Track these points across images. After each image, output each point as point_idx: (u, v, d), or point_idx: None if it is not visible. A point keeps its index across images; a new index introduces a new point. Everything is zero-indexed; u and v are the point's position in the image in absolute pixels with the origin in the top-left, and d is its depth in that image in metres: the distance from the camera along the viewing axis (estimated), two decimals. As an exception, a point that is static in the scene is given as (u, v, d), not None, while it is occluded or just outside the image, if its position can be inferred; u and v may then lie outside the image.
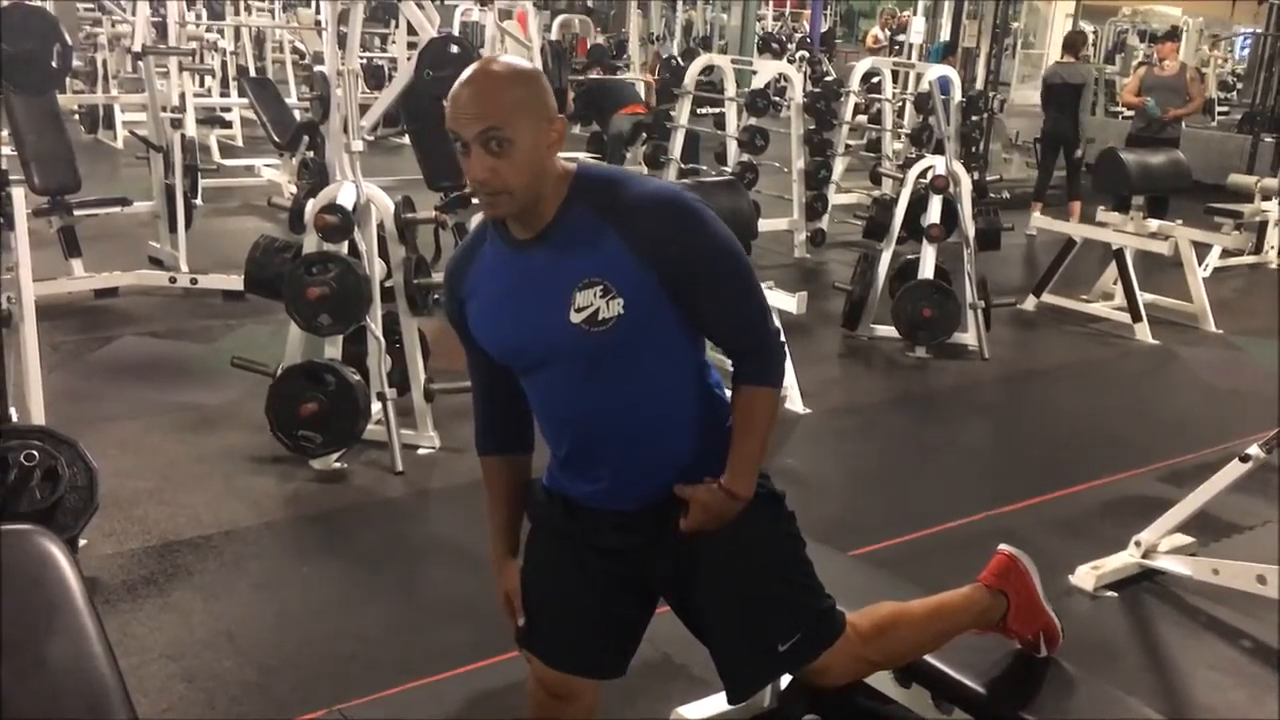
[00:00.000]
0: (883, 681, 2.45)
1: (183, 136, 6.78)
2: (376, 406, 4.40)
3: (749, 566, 2.03)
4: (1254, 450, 3.45)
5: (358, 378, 4.28)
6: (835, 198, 9.07)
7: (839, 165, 9.47)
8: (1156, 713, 2.32)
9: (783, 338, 1.99)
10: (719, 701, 2.74)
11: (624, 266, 1.82)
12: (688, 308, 1.89)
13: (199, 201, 8.06)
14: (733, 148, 8.59)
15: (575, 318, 1.83)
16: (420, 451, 4.52)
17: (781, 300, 5.36)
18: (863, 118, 10.69)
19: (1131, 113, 9.82)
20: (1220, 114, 15.04)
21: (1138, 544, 3.76)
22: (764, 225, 7.00)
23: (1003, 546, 2.37)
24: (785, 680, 2.70)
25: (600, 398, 1.92)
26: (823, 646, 2.07)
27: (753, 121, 8.20)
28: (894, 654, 2.24)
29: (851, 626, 2.12)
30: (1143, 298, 6.82)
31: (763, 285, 5.80)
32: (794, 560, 2.08)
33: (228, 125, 11.84)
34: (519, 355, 1.95)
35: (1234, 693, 3.15)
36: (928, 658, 2.34)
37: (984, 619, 2.31)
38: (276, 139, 9.01)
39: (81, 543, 3.54)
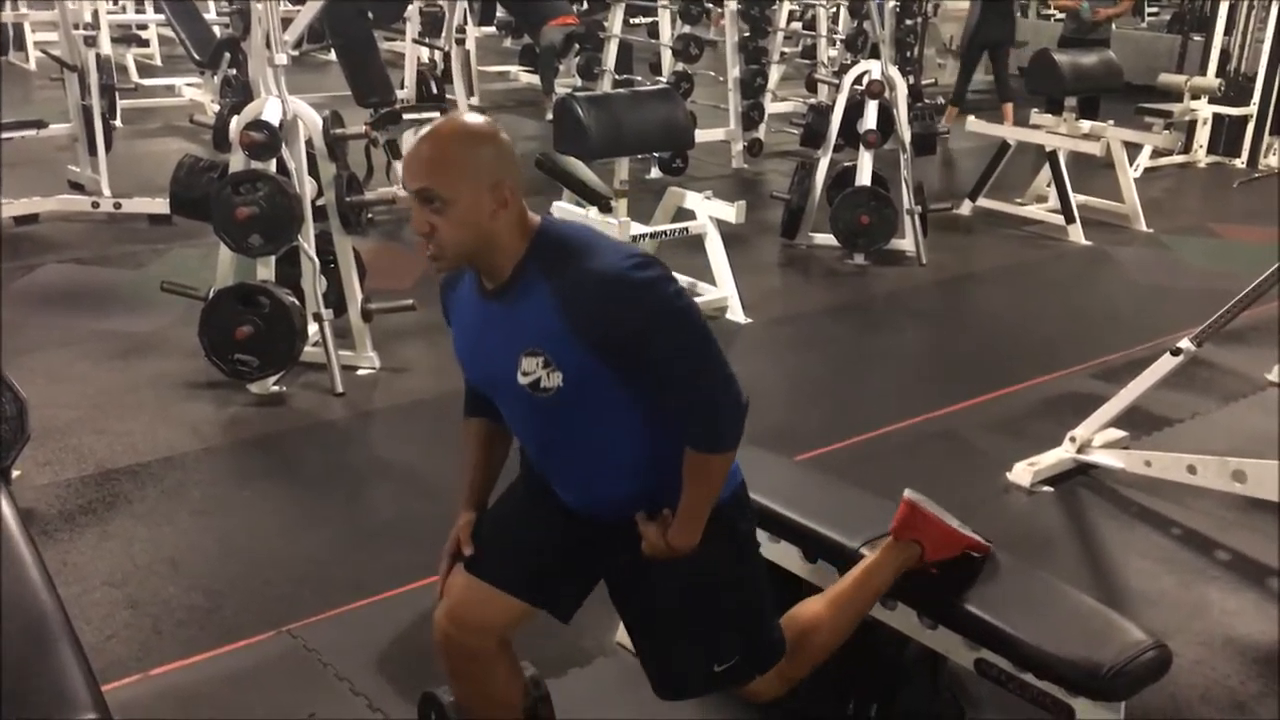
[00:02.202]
0: (828, 580, 2.48)
1: (98, 56, 6.54)
2: (313, 328, 4.33)
3: (697, 590, 2.06)
4: (1184, 344, 3.53)
5: (293, 299, 4.21)
6: (771, 106, 9.00)
7: (775, 73, 9.39)
8: (1090, 598, 2.38)
9: (744, 398, 1.91)
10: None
11: (564, 342, 1.84)
12: (628, 377, 1.89)
13: (118, 123, 7.81)
14: (667, 57, 8.48)
15: (521, 380, 1.88)
16: (360, 372, 4.47)
17: (720, 210, 5.35)
18: (798, 24, 10.58)
19: (1063, 15, 9.81)
20: (1150, 14, 15.06)
21: (1072, 440, 3.84)
22: (700, 135, 6.94)
23: (905, 494, 2.36)
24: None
25: (551, 438, 2.01)
26: (759, 672, 2.14)
27: (687, 30, 8.08)
28: (816, 659, 2.25)
29: None
30: (1075, 199, 6.89)
31: (700, 196, 5.73)
32: (745, 592, 2.12)
33: (145, 43, 11.44)
34: (481, 386, 2.07)
35: (1165, 579, 3.25)
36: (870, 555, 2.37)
37: (905, 566, 2.31)
38: (196, 56, 8.71)
39: (15, 474, 3.48)
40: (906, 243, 6.25)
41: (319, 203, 4.42)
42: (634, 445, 1.98)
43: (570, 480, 2.06)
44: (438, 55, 7.83)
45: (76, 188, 6.62)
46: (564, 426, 1.96)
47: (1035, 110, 7.56)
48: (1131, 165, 7.61)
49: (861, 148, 6.22)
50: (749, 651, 2.13)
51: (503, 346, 1.90)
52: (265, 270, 4.30)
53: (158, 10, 10.66)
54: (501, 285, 1.89)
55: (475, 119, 1.91)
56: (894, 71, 6.35)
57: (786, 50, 10.16)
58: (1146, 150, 8.48)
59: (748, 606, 2.12)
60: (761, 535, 2.45)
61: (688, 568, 2.01)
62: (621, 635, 2.81)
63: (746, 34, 8.47)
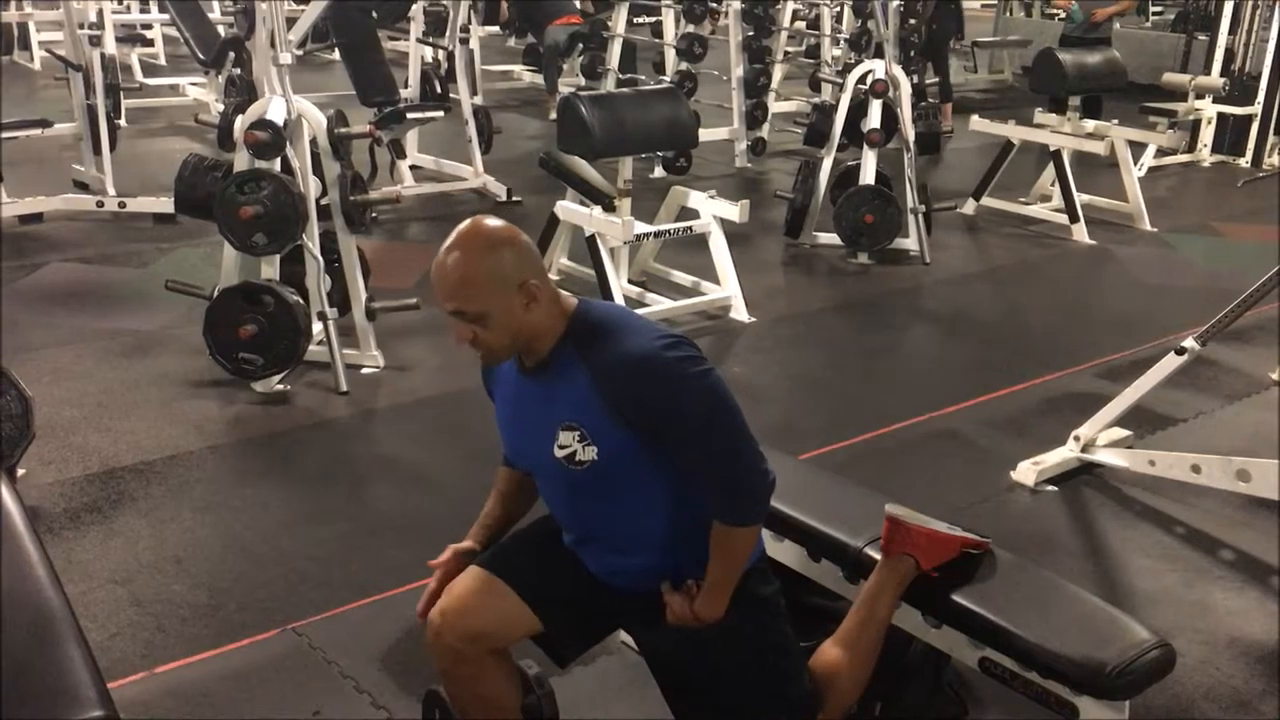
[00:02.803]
0: (831, 578, 2.49)
1: (102, 55, 6.55)
2: (318, 327, 4.34)
3: (729, 658, 2.10)
4: (1188, 343, 3.52)
5: (297, 298, 4.21)
6: (775, 106, 8.99)
7: (778, 72, 9.39)
8: (1095, 597, 2.38)
9: (772, 475, 1.99)
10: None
11: (599, 419, 1.94)
12: (661, 452, 1.96)
13: (123, 122, 7.82)
14: (671, 56, 8.48)
15: (558, 453, 1.98)
16: (364, 371, 4.48)
17: (723, 209, 5.35)
18: (801, 24, 10.57)
19: (1064, 15, 9.81)
20: (1154, 13, 15.05)
21: (1077, 439, 3.84)
22: (704, 135, 6.93)
23: (886, 509, 2.35)
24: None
25: (582, 512, 2.10)
26: None
27: (691, 29, 8.08)
28: (847, 702, 2.26)
29: None
30: (1080, 198, 6.88)
31: (704, 195, 5.72)
32: (774, 653, 2.15)
33: (149, 43, 11.45)
34: (518, 460, 2.18)
35: (1169, 578, 3.25)
36: (874, 555, 2.38)
37: (905, 581, 2.31)
38: (201, 56, 8.71)
39: (20, 472, 3.49)
40: (910, 242, 6.25)
41: (323, 202, 4.42)
42: (663, 518, 2.04)
43: (601, 552, 2.13)
44: (441, 55, 7.84)
45: (81, 187, 6.63)
46: (596, 499, 2.03)
47: (1039, 110, 7.55)
48: (1136, 165, 7.60)
49: (865, 147, 6.21)
50: (783, 711, 2.15)
51: (540, 421, 2.00)
52: (269, 269, 4.31)
53: (162, 10, 10.67)
54: (540, 364, 1.99)
55: (491, 225, 1.96)
56: (898, 70, 6.35)
57: (790, 50, 10.16)
58: (1151, 149, 8.47)
59: (777, 668, 2.15)
60: (766, 534, 2.45)
61: (715, 637, 2.05)
62: (625, 634, 2.81)
63: (750, 33, 8.46)
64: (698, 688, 2.15)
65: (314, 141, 4.37)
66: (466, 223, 1.96)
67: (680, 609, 2.03)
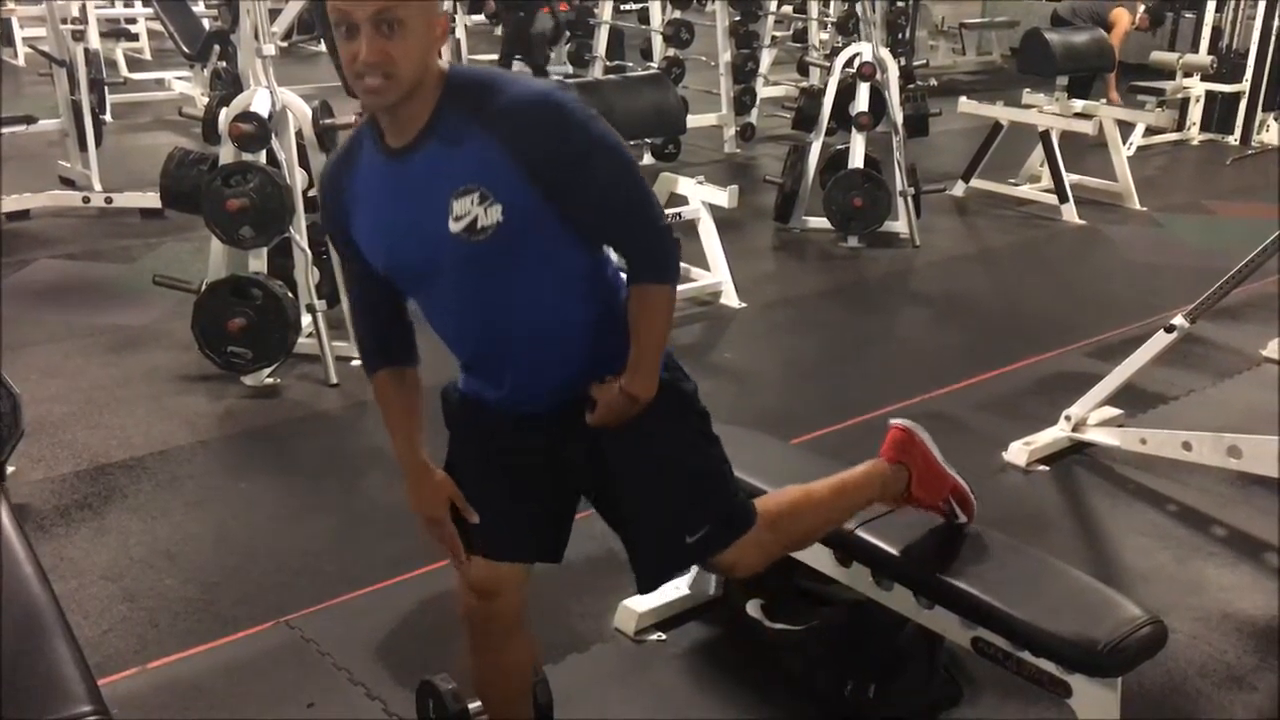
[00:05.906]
0: (824, 561, 2.49)
1: (86, 50, 6.52)
2: (307, 319, 4.33)
3: (654, 459, 2.02)
4: (1178, 320, 3.53)
5: (285, 291, 4.20)
6: (763, 91, 8.97)
7: (766, 57, 9.36)
8: (1086, 576, 2.38)
9: (675, 234, 1.93)
10: (664, 592, 2.78)
11: (499, 170, 1.77)
12: (567, 208, 1.84)
13: (108, 118, 7.78)
14: (658, 42, 8.45)
15: (455, 227, 1.79)
16: (354, 363, 4.45)
17: (713, 195, 5.34)
18: (788, 8, 10.55)
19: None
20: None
21: (1068, 418, 3.84)
22: (692, 121, 6.92)
23: (895, 420, 2.38)
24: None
25: (490, 306, 1.89)
26: (732, 538, 2.09)
27: (677, 15, 8.05)
28: (798, 536, 2.25)
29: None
30: (1069, 179, 6.88)
31: (693, 181, 5.71)
32: (702, 454, 2.08)
33: (134, 37, 11.39)
34: (406, 269, 1.91)
35: (1161, 555, 3.26)
36: (866, 536, 2.38)
37: (887, 492, 2.33)
38: (186, 49, 8.65)
39: (9, 469, 3.47)
40: (900, 225, 6.24)
41: (310, 193, 4.40)
42: (576, 295, 1.92)
43: (511, 360, 1.94)
44: (427, 44, 7.80)
45: (67, 183, 6.60)
46: (502, 282, 1.85)
47: (1027, 90, 7.54)
48: (1125, 144, 7.60)
49: (854, 130, 6.21)
50: (718, 519, 2.08)
51: (427, 200, 1.80)
52: (257, 262, 4.29)
53: (146, 4, 10.61)
54: (418, 134, 1.81)
55: None
56: (885, 53, 6.33)
57: (778, 34, 10.13)
58: (1139, 129, 8.47)
59: (707, 470, 2.08)
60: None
61: (642, 438, 1.97)
62: (619, 621, 2.82)
63: (737, 18, 8.44)
64: (630, 500, 2.04)
65: (300, 133, 4.36)
66: None
67: (609, 395, 1.91)
